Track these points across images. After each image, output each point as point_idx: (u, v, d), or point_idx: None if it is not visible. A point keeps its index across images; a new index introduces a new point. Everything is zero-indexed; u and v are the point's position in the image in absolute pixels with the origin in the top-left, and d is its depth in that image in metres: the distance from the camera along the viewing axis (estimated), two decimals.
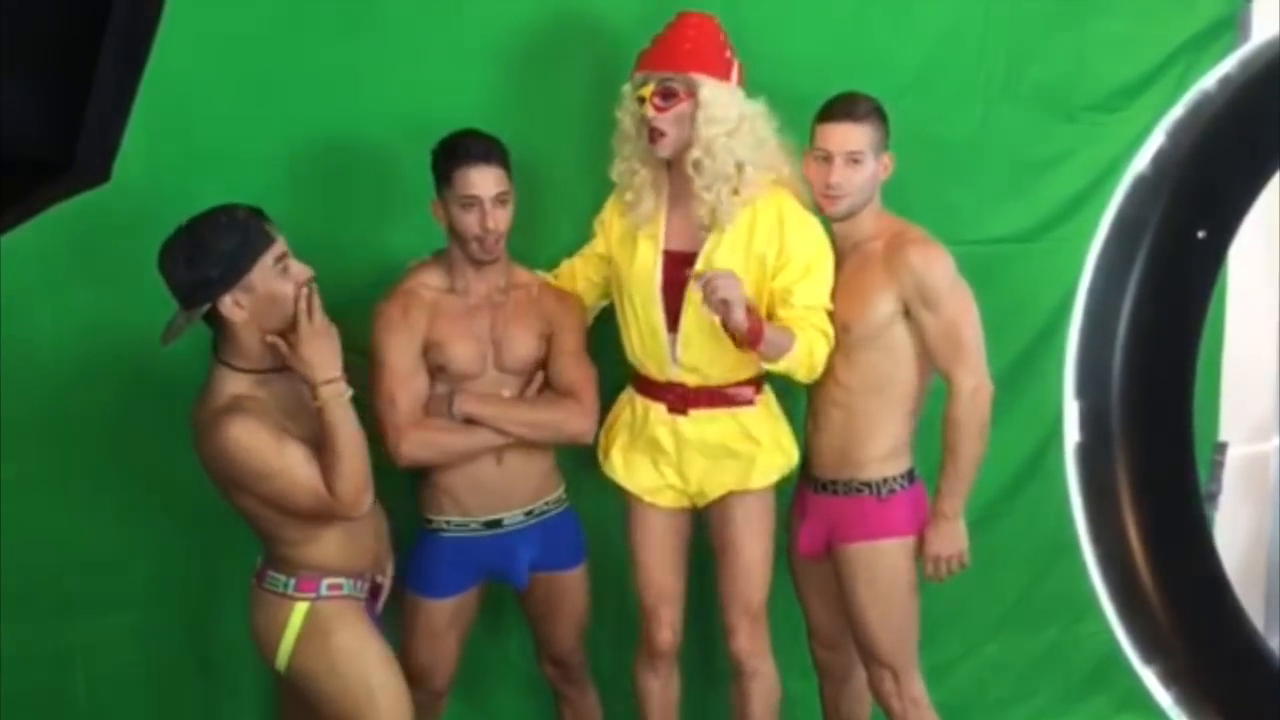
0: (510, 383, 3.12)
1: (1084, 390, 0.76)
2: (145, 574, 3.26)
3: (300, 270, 2.69)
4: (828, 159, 3.07)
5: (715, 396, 3.19)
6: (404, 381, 3.02)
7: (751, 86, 3.19)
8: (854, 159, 3.05)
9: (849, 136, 3.05)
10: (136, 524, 3.22)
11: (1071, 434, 0.78)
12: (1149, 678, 0.77)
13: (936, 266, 3.06)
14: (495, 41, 3.27)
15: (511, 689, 3.66)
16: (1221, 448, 4.12)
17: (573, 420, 3.11)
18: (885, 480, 3.17)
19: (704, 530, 3.34)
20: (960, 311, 3.07)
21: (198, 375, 2.83)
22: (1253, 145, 0.78)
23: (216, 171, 3.01)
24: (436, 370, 3.06)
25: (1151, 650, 0.77)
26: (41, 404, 3.07)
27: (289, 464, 2.66)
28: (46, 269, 2.99)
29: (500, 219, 3.00)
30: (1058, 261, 3.68)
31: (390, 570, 3.09)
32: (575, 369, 3.13)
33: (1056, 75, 3.67)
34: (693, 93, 3.00)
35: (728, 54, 3.06)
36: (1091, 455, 0.77)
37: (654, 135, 3.02)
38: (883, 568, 3.17)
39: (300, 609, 2.81)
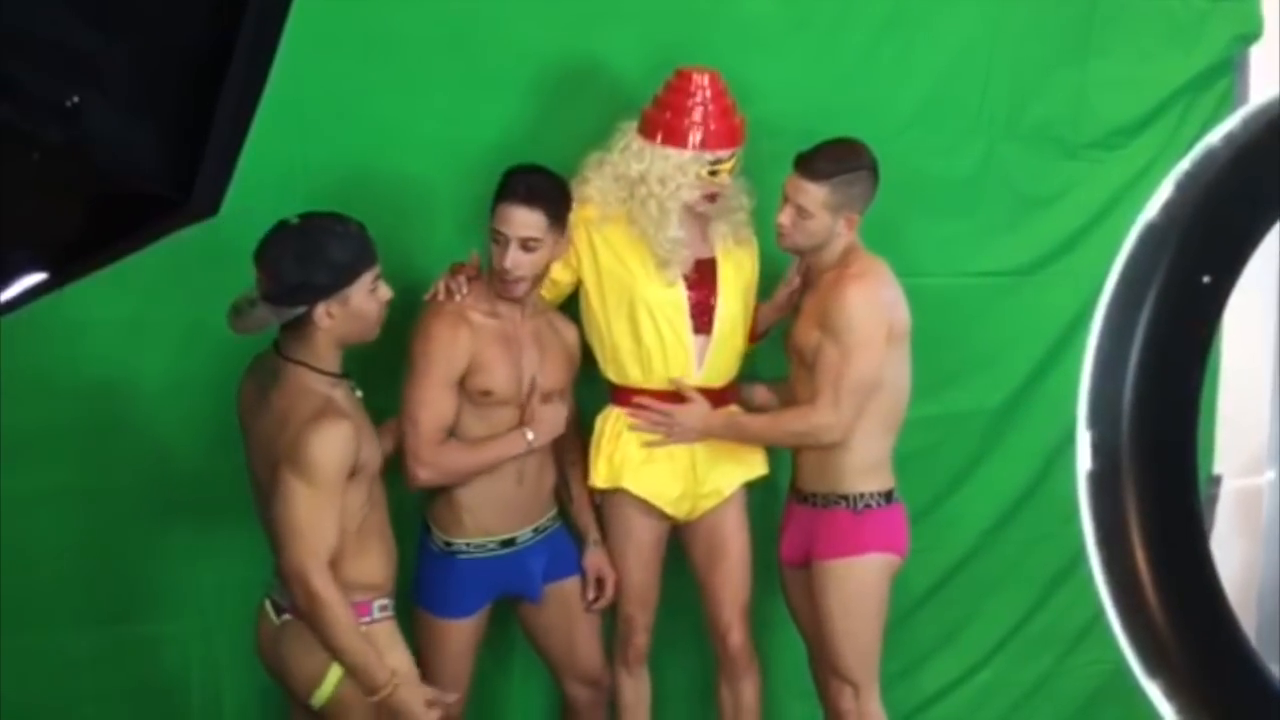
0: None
1: (1096, 420, 0.82)
2: (148, 588, 3.28)
3: (385, 292, 2.71)
4: (785, 199, 3.13)
5: (725, 396, 3.32)
6: (432, 404, 2.99)
7: (758, 124, 3.27)
8: (803, 213, 3.10)
9: (800, 191, 3.10)
10: (141, 538, 3.25)
11: (1084, 461, 0.84)
12: (1153, 691, 0.83)
13: (850, 301, 3.08)
14: (512, 69, 3.30)
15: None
16: (1216, 481, 4.16)
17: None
18: (861, 495, 3.20)
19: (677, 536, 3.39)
20: (855, 350, 3.07)
21: (190, 389, 2.85)
22: (1254, 198, 0.85)
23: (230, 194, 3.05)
24: (480, 395, 3.04)
25: (1156, 665, 0.83)
26: (43, 419, 3.07)
27: (320, 507, 2.61)
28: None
29: (521, 262, 2.97)
30: (1055, 296, 3.73)
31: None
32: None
33: (1058, 114, 3.72)
34: None
35: None
36: (1102, 482, 0.83)
37: (715, 197, 3.18)
38: (853, 583, 3.20)
39: None
